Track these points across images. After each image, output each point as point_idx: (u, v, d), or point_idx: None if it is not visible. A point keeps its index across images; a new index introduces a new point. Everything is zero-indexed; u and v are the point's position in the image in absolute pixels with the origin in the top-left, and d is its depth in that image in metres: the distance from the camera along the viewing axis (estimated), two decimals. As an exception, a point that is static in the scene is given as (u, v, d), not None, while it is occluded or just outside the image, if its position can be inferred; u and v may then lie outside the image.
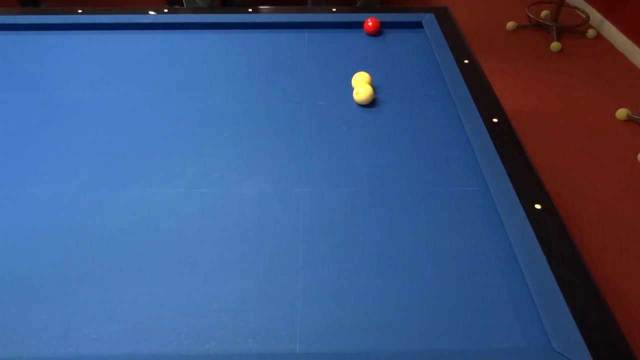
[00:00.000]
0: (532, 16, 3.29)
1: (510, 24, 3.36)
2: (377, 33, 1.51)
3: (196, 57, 1.43)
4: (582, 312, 0.76)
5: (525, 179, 1.00)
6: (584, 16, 3.32)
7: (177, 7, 1.62)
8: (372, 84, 1.29)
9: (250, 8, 1.62)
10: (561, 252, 0.85)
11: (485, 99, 1.22)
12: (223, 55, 1.44)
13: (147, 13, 1.57)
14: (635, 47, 3.03)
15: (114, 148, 1.11)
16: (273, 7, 1.79)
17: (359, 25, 1.56)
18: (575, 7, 3.47)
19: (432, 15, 1.57)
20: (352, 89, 1.28)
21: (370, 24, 1.47)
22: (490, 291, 0.83)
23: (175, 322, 0.78)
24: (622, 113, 2.59)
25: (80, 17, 1.54)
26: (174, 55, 1.44)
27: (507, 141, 1.09)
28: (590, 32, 3.30)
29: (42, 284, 0.83)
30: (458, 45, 1.43)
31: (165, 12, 1.58)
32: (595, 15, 3.41)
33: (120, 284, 0.83)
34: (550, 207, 0.93)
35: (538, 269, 0.82)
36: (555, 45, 3.16)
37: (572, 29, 3.35)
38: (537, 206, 0.94)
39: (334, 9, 1.61)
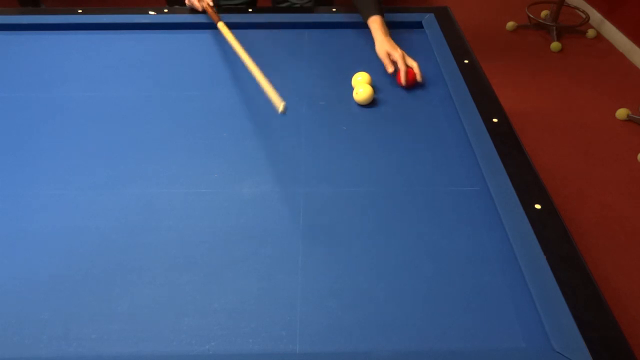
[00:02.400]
0: (532, 16, 3.30)
1: (510, 24, 3.36)
2: (413, 85, 1.32)
3: (196, 57, 1.43)
4: (582, 312, 0.76)
5: (525, 179, 0.99)
6: (584, 16, 3.32)
7: (177, 7, 1.61)
8: (372, 84, 1.29)
9: (250, 8, 1.62)
10: (561, 252, 0.85)
11: (485, 99, 1.22)
12: (223, 55, 1.44)
13: (147, 13, 1.57)
14: (635, 47, 3.03)
15: (114, 148, 1.11)
16: (273, 7, 1.79)
17: (359, 25, 1.56)
18: (575, 7, 3.47)
19: (432, 15, 1.57)
20: (352, 89, 1.28)
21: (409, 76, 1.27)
22: (490, 291, 0.83)
23: (175, 322, 0.78)
24: (622, 113, 2.59)
25: (80, 17, 1.54)
26: (174, 55, 1.44)
27: (507, 141, 1.09)
28: (590, 32, 3.30)
29: (42, 284, 0.83)
30: (458, 45, 1.43)
31: (165, 12, 1.58)
32: (595, 15, 3.41)
33: (120, 284, 0.83)
34: (550, 207, 0.93)
35: (538, 269, 0.82)
36: (555, 46, 3.16)
37: (572, 29, 3.35)
38: (537, 206, 0.93)
39: (334, 9, 1.61)
